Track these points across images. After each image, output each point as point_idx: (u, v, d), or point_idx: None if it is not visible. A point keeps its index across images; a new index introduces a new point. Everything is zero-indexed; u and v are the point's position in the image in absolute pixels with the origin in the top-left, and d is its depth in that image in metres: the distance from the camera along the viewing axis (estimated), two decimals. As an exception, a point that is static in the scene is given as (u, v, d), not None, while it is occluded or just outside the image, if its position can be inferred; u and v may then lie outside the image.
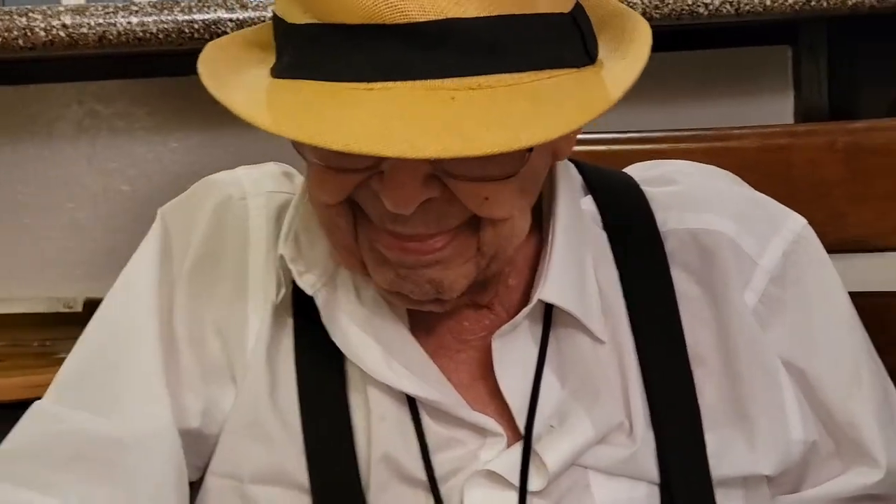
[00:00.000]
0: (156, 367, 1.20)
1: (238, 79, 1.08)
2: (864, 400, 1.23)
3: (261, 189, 1.26)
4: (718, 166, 1.31)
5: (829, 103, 2.19)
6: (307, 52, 1.03)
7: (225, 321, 1.22)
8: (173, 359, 1.21)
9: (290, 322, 1.21)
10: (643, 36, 1.10)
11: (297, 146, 1.06)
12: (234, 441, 1.20)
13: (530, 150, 1.02)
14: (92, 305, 2.02)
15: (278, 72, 1.07)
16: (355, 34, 1.00)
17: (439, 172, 1.04)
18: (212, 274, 1.23)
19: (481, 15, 0.99)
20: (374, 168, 1.05)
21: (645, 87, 2.13)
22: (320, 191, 1.09)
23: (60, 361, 1.97)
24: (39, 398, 1.80)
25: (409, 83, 0.99)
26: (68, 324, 2.01)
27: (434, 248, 1.08)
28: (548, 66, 1.04)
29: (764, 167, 1.52)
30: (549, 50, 1.04)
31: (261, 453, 1.18)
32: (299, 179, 1.25)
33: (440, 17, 0.98)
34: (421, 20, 0.98)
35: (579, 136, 1.54)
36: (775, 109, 2.23)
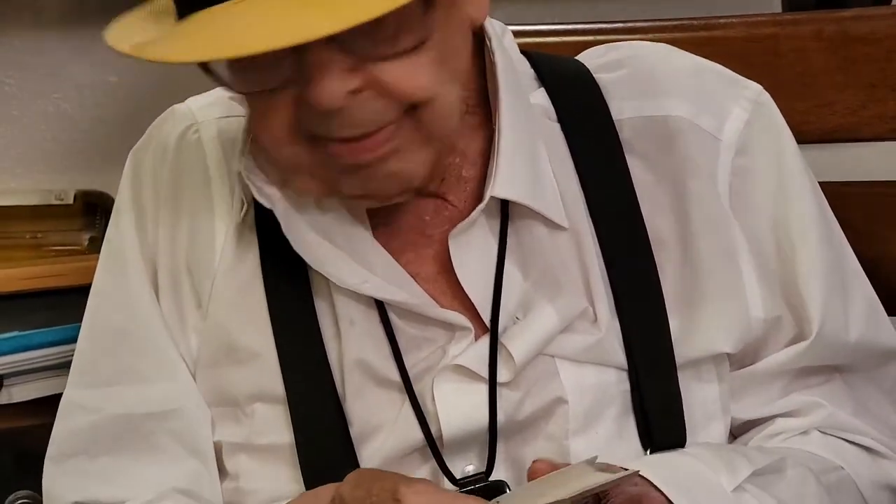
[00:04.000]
0: (161, 333, 1.24)
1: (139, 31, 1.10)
2: (808, 263, 1.24)
3: (210, 116, 1.27)
4: (704, 56, 1.30)
5: (818, -10, 2.18)
6: None
7: (193, 257, 1.24)
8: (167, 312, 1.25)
9: (254, 239, 1.23)
10: None
11: (226, 86, 1.10)
12: (214, 371, 1.23)
13: (429, 9, 1.04)
14: (84, 196, 2.03)
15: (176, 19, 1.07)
16: None
17: (357, 61, 1.05)
18: (180, 215, 1.25)
19: None
20: (297, 79, 1.06)
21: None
22: (265, 127, 1.11)
23: (53, 253, 1.99)
24: (31, 290, 1.82)
25: None
26: (61, 216, 2.01)
27: (383, 140, 1.09)
28: None
29: (750, 57, 1.52)
30: None
31: (241, 375, 1.21)
32: None
33: None
34: None
35: (563, 27, 1.56)
36: (762, -2, 2.22)
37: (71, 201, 2.00)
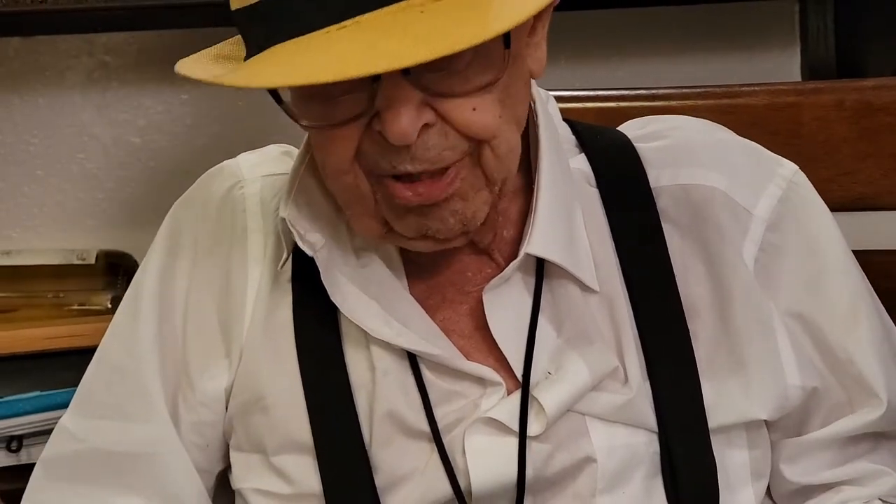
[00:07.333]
0: (153, 377, 1.26)
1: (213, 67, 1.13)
2: (862, 338, 1.24)
3: (256, 174, 1.30)
4: (726, 124, 1.32)
5: (837, 59, 2.19)
6: (273, 24, 1.06)
7: (225, 307, 1.26)
8: (173, 358, 1.27)
9: (289, 290, 1.24)
10: None
11: (293, 118, 1.11)
12: (245, 419, 1.24)
13: (507, 49, 1.06)
14: (106, 256, 2.04)
15: (250, 54, 1.10)
16: None
17: (429, 96, 1.07)
18: (216, 266, 1.27)
19: None
20: (368, 111, 1.08)
21: (650, 42, 2.14)
22: (328, 154, 1.13)
23: (74, 313, 2.00)
24: (53, 350, 1.83)
25: (376, 12, 1.02)
26: (82, 275, 2.01)
27: (445, 183, 1.11)
28: None
29: (772, 125, 1.53)
30: None
31: (271, 424, 1.22)
32: None
33: None
34: None
35: (586, 93, 1.57)
36: (782, 65, 2.23)
37: (93, 261, 2.01)
